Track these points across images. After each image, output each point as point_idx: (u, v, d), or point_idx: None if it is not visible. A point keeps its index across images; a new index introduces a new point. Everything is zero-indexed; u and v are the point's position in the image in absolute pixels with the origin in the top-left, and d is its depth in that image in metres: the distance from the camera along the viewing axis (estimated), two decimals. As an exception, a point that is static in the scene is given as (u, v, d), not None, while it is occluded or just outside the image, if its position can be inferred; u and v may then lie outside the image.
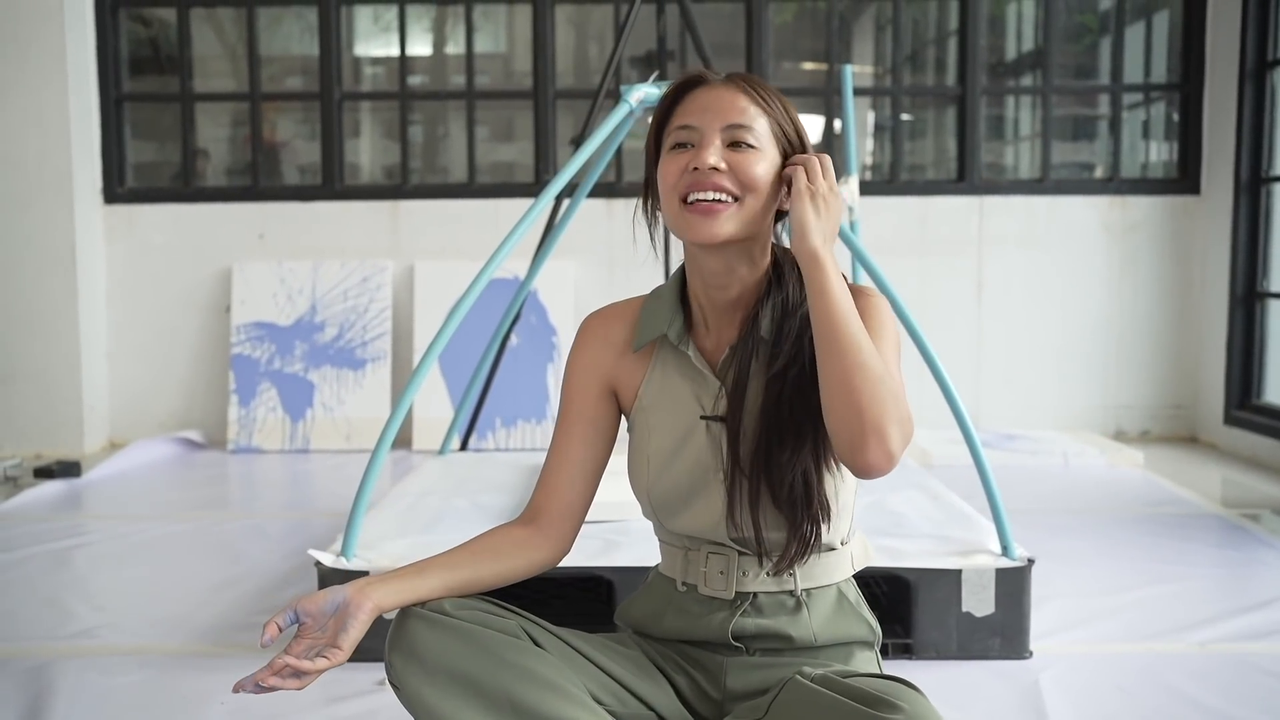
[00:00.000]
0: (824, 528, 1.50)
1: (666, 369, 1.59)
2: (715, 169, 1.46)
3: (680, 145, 1.50)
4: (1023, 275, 5.29)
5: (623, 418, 1.66)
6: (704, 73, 1.54)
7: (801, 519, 1.49)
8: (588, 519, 1.67)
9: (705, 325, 1.58)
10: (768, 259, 1.55)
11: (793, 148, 1.53)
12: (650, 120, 1.59)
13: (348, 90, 5.62)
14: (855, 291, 1.52)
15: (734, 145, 1.48)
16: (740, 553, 1.55)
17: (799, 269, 1.53)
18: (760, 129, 1.49)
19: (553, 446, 1.64)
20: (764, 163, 1.49)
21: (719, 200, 1.47)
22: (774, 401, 1.49)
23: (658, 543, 1.66)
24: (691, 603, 1.59)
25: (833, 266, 1.44)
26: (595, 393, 1.62)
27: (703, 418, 1.55)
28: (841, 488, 1.53)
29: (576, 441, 1.62)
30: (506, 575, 1.58)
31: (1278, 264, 4.91)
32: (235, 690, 1.40)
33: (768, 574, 1.53)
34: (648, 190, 1.59)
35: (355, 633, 1.43)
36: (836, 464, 1.50)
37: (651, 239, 1.61)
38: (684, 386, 1.57)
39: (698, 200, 1.47)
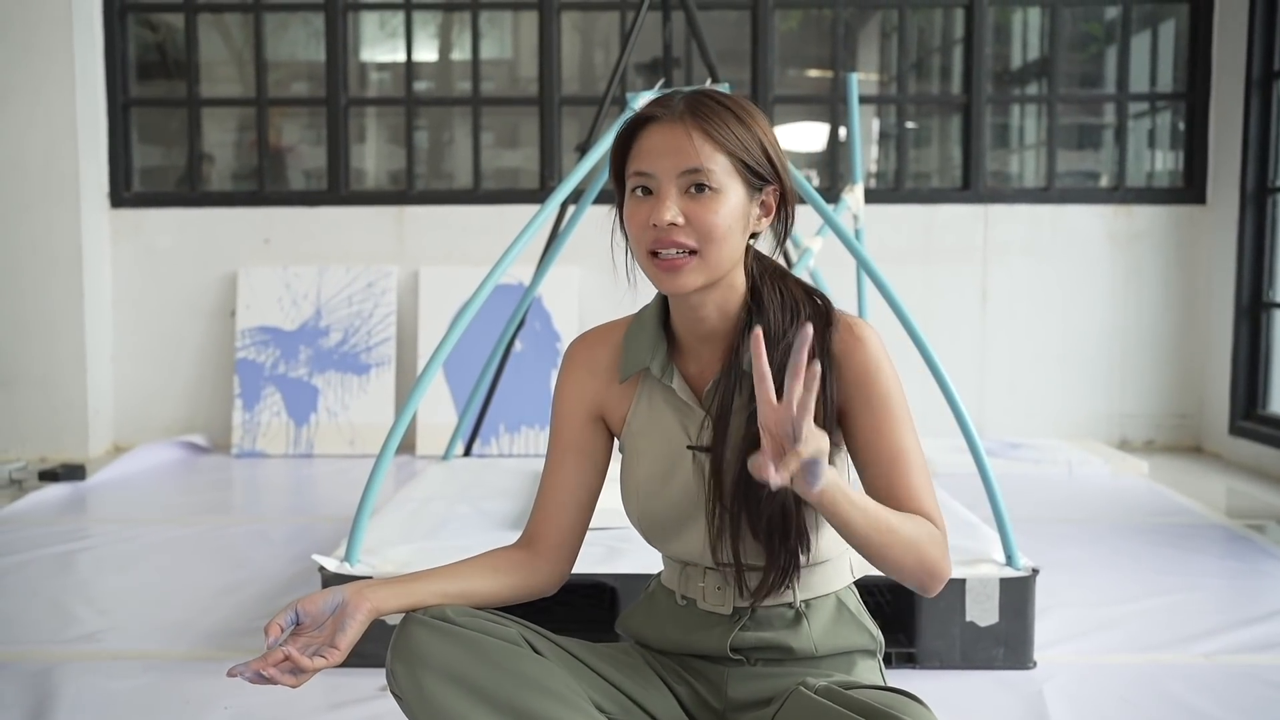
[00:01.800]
0: (803, 558, 1.50)
1: (653, 397, 1.58)
2: (673, 224, 1.44)
3: (640, 190, 1.48)
4: (1027, 284, 5.29)
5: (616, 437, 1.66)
6: (655, 110, 1.49)
7: (779, 550, 1.48)
8: (590, 525, 1.67)
9: (689, 350, 1.57)
10: (744, 282, 1.54)
11: (759, 170, 1.48)
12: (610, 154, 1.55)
13: (354, 96, 5.63)
14: (846, 332, 1.50)
15: (692, 189, 1.45)
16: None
17: (779, 294, 1.52)
18: (717, 167, 1.45)
19: (545, 474, 1.64)
20: (724, 204, 1.45)
21: (680, 255, 1.45)
22: (754, 434, 1.47)
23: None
24: (691, 616, 1.59)
25: (841, 497, 1.35)
26: (582, 420, 1.62)
27: (689, 447, 1.55)
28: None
29: (568, 470, 1.62)
30: (504, 595, 1.58)
31: (1283, 274, 4.91)
32: (230, 674, 1.39)
33: (748, 603, 1.53)
34: (622, 222, 1.57)
35: (352, 633, 1.44)
36: None
37: (628, 263, 1.59)
38: (670, 415, 1.56)
39: (661, 255, 1.46)
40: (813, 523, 1.50)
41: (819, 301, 1.54)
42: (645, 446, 1.58)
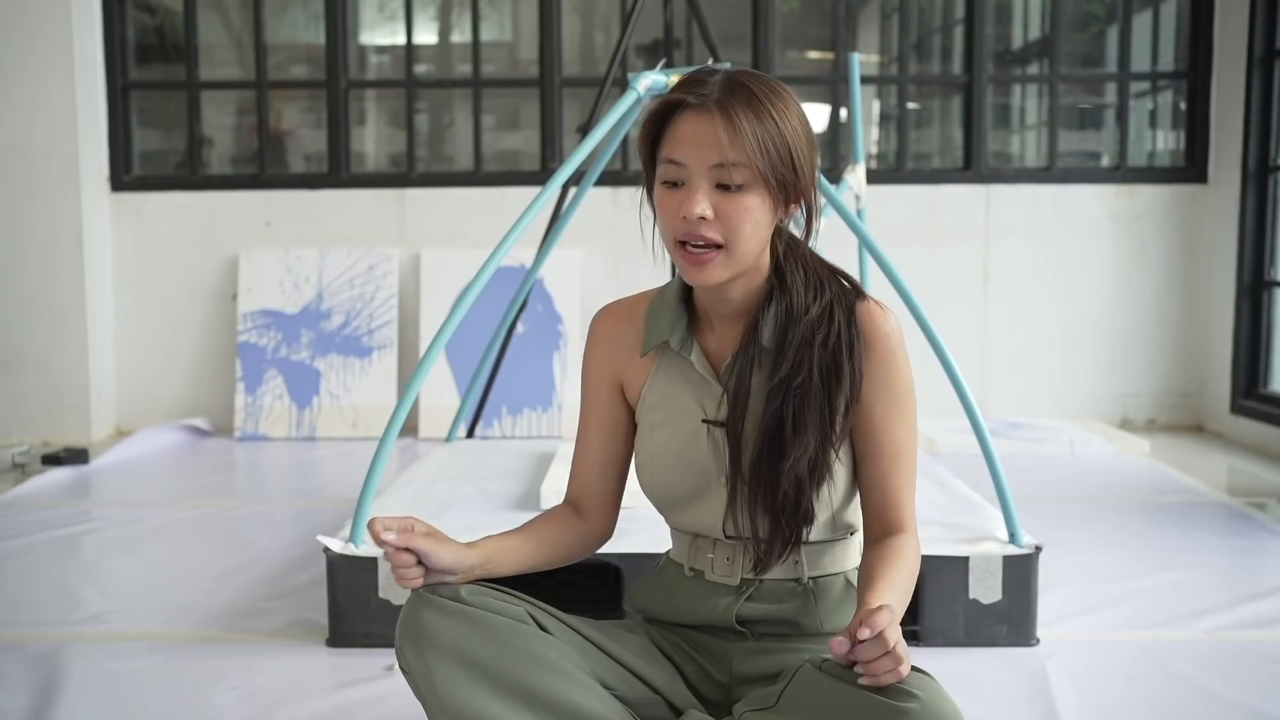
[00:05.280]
0: (805, 532, 1.52)
1: (670, 371, 1.60)
2: (703, 218, 1.45)
3: (672, 182, 1.48)
4: (1029, 264, 5.28)
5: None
6: (690, 93, 1.47)
7: (787, 524, 1.50)
8: None
9: (710, 326, 1.59)
10: (769, 263, 1.55)
11: (783, 167, 1.46)
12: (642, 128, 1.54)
13: (354, 78, 5.62)
14: (879, 318, 1.52)
15: (722, 186, 1.45)
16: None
17: (803, 272, 1.54)
18: (746, 163, 1.44)
19: (578, 441, 1.69)
20: (752, 200, 1.45)
21: (707, 250, 1.46)
22: (774, 410, 1.50)
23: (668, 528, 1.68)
24: (699, 587, 1.61)
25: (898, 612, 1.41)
26: (607, 391, 1.66)
27: (704, 421, 1.56)
28: (833, 489, 1.53)
29: (596, 438, 1.67)
30: (569, 554, 1.67)
31: (1285, 253, 4.90)
32: (372, 526, 1.45)
33: (753, 572, 1.55)
34: (651, 196, 1.56)
35: (439, 561, 1.50)
36: (830, 473, 1.51)
37: (654, 239, 1.59)
38: (687, 390, 1.58)
39: (689, 246, 1.47)
40: (821, 502, 1.52)
41: (844, 281, 1.55)
42: (660, 419, 1.60)
